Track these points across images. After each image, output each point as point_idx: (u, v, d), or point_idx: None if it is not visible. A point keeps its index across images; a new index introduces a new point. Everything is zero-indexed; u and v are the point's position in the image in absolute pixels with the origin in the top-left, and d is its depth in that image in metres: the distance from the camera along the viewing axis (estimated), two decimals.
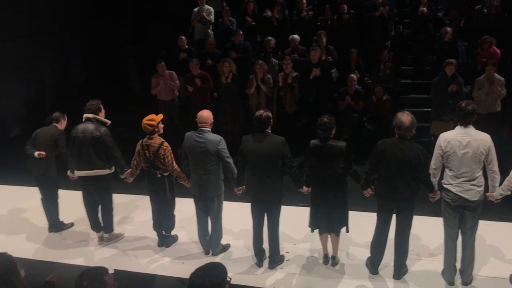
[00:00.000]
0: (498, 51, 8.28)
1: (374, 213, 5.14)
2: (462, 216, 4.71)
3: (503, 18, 8.92)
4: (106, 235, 6.01)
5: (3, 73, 10.47)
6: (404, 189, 4.68)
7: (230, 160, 5.29)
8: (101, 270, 2.67)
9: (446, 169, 4.71)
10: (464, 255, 4.85)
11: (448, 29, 8.59)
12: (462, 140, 4.54)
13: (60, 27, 11.87)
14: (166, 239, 5.89)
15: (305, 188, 5.18)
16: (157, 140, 5.42)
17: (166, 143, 5.44)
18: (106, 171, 5.73)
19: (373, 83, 8.59)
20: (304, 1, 9.74)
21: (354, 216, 5.36)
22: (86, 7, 12.60)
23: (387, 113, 8.01)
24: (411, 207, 4.81)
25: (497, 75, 7.43)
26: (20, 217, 6.93)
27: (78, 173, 5.74)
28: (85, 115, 5.67)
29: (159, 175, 5.50)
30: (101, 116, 5.72)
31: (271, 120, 5.04)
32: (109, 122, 5.75)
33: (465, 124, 4.59)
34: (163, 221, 5.79)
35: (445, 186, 4.73)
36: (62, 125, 6.22)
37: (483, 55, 8.18)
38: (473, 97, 7.39)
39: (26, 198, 7.37)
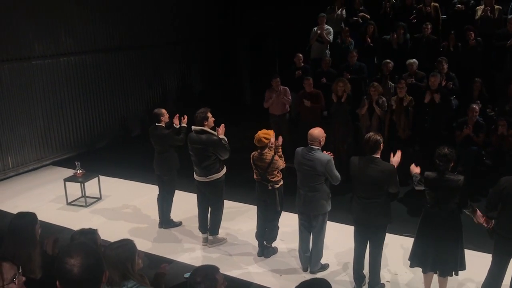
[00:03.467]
0: None
1: (486, 253, 4.81)
2: None
3: None
4: (210, 237, 6.27)
5: (130, 76, 11.47)
6: None
7: (338, 176, 5.28)
8: (213, 269, 2.80)
9: None
10: None
11: None
12: None
13: (185, 38, 12.75)
14: (266, 249, 5.99)
15: None
16: (268, 155, 5.59)
17: (276, 156, 5.62)
18: (220, 174, 6.01)
19: (497, 115, 8.02)
20: (430, 26, 9.39)
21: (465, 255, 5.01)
22: (211, 22, 13.40)
23: (511, 149, 7.44)
24: None
25: None
26: (134, 211, 7.49)
27: (196, 178, 6.10)
28: (193, 127, 5.97)
29: (270, 187, 5.66)
30: (210, 123, 5.96)
31: (381, 144, 4.90)
32: (216, 133, 5.92)
33: None
34: (267, 231, 5.92)
35: None
36: (164, 120, 6.56)
37: None
38: None
39: (143, 194, 7.96)
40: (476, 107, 7.73)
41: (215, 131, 5.96)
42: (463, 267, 4.79)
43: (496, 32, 8.99)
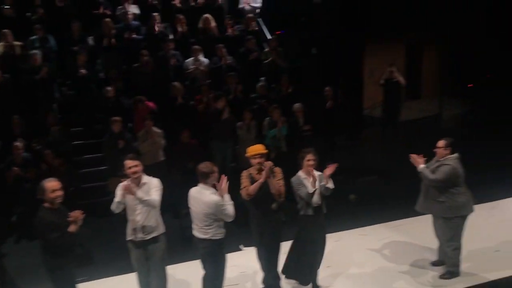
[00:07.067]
0: (151, 105, 8.91)
1: None
2: None
3: (157, 75, 9.77)
4: None
5: None
6: None
7: None
8: None
9: None
10: None
11: (109, 88, 8.89)
12: None
13: None
14: None
15: None
16: None
17: None
18: None
19: (43, 148, 8.16)
20: None
21: None
22: None
23: (63, 177, 7.75)
24: None
25: (154, 128, 8.18)
26: None
27: None
28: None
29: None
30: None
31: None
32: None
33: None
34: None
35: None
36: None
37: (139, 111, 8.74)
38: (140, 150, 7.88)
39: None
40: (18, 144, 7.69)
41: None
42: None
43: (23, 67, 9.10)
